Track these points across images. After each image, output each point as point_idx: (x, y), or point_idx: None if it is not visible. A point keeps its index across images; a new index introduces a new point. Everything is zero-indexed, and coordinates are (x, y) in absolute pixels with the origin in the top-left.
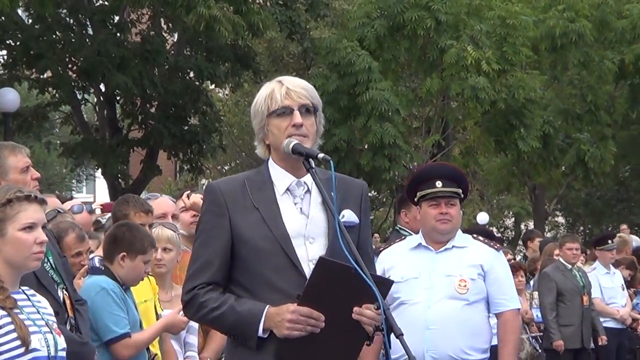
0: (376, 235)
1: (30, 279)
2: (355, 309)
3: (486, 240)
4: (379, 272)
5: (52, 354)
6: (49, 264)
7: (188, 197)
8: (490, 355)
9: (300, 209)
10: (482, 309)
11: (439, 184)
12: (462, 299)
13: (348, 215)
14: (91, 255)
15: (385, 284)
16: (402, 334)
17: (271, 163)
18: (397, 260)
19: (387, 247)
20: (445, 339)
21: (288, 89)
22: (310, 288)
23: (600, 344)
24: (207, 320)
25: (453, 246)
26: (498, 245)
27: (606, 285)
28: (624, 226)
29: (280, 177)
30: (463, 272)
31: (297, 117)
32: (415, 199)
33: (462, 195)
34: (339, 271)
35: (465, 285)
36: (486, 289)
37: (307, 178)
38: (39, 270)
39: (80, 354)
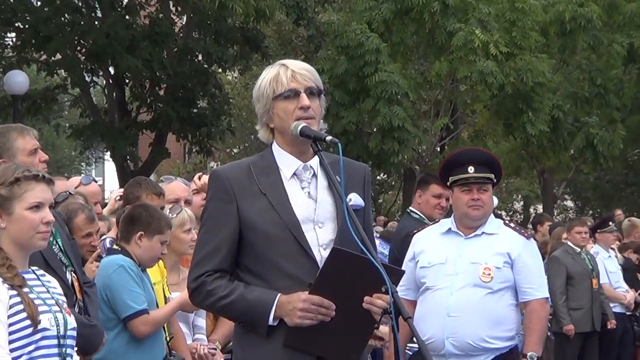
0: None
1: (39, 261)
2: (366, 298)
3: (517, 227)
4: (409, 256)
5: (62, 332)
6: (57, 246)
7: (199, 178)
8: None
9: (308, 193)
10: (508, 297)
11: (471, 169)
12: (486, 287)
13: (354, 199)
14: (103, 237)
15: (396, 273)
16: (410, 317)
17: (275, 147)
18: (427, 244)
19: (420, 230)
20: (465, 326)
21: (294, 71)
22: (322, 277)
23: (609, 327)
24: (216, 309)
25: (483, 232)
26: (529, 232)
27: (612, 269)
28: (618, 212)
29: (286, 161)
30: (489, 260)
31: (305, 100)
32: (448, 184)
33: (495, 181)
34: (351, 260)
35: (489, 274)
36: (513, 277)
37: (313, 162)
38: (47, 253)
39: (88, 336)
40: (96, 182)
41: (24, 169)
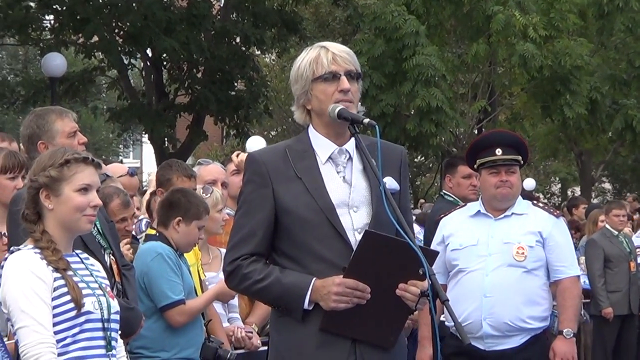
0: (422, 200)
1: (77, 244)
2: (400, 285)
3: (546, 207)
4: (438, 239)
5: (106, 316)
6: (96, 229)
7: (237, 156)
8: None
9: (343, 177)
10: (541, 276)
11: (498, 151)
12: (520, 267)
13: (389, 183)
14: (140, 217)
15: (430, 255)
16: (448, 300)
17: (312, 130)
18: (456, 227)
19: (447, 214)
20: (502, 306)
21: (334, 54)
22: (356, 260)
23: None
24: (251, 292)
25: (512, 213)
26: (558, 212)
27: None
28: (629, 198)
29: (322, 145)
30: (521, 239)
31: (345, 83)
32: (475, 166)
33: (522, 162)
34: (384, 243)
35: (523, 253)
36: (545, 256)
37: (349, 145)
38: (86, 236)
39: (127, 318)
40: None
41: (74, 151)
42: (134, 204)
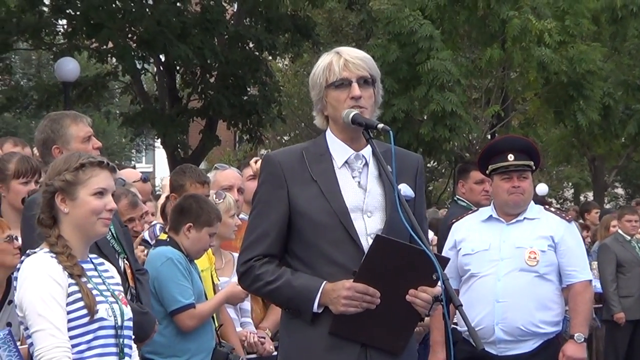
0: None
1: (92, 248)
2: (411, 291)
3: (558, 212)
4: (450, 244)
5: (119, 323)
6: (110, 233)
7: (256, 162)
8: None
9: (359, 182)
10: (554, 280)
11: (511, 157)
12: (532, 271)
13: (404, 190)
14: (153, 222)
15: (442, 261)
16: (461, 305)
17: (329, 134)
18: (468, 232)
19: (459, 219)
20: (515, 311)
21: (346, 60)
22: (366, 265)
23: None
24: (263, 293)
25: (524, 218)
26: (570, 216)
27: None
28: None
29: (338, 149)
30: (533, 244)
31: (356, 90)
32: (487, 172)
33: (534, 168)
34: (395, 248)
35: (535, 257)
36: (557, 261)
37: (365, 151)
38: (100, 240)
39: (141, 323)
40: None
41: (89, 155)
42: (142, 205)
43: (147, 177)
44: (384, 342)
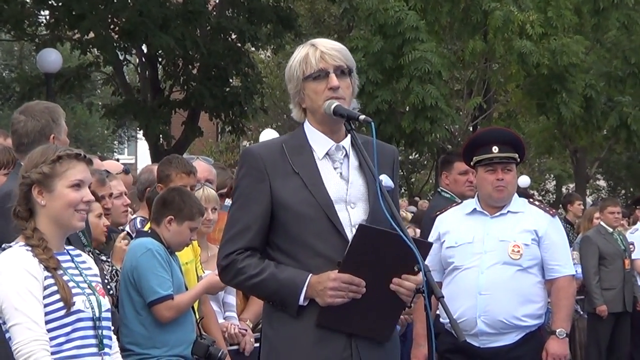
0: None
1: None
2: (395, 279)
3: (542, 205)
4: (434, 236)
5: (97, 315)
6: None
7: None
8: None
9: (340, 173)
10: (536, 274)
11: (495, 149)
12: (515, 264)
13: (385, 180)
14: (134, 216)
15: (424, 246)
16: (443, 297)
17: (308, 126)
18: (452, 225)
19: (443, 212)
20: (497, 304)
21: (322, 52)
22: (350, 255)
23: (638, 309)
24: (245, 287)
25: (508, 211)
26: (554, 210)
27: None
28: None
29: (318, 141)
30: (517, 237)
31: (334, 80)
32: (472, 164)
33: (519, 160)
34: (378, 237)
35: (518, 251)
36: (540, 255)
37: (345, 142)
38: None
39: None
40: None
41: (66, 148)
42: (110, 183)
43: (128, 169)
44: (371, 331)
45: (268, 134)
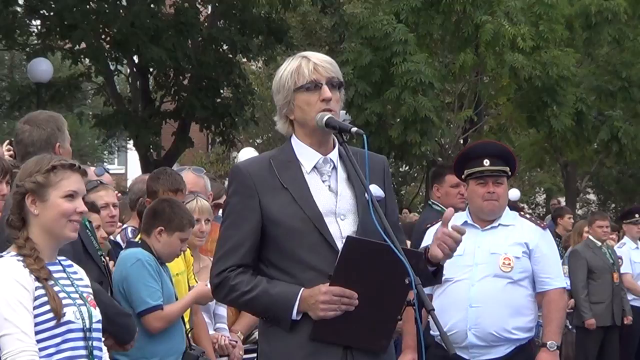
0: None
1: (77, 247)
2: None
3: (533, 218)
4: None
5: (87, 326)
6: (91, 232)
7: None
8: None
9: (329, 186)
10: (527, 287)
11: (486, 162)
12: (506, 277)
13: (374, 190)
14: (124, 225)
15: (415, 255)
16: (433, 309)
17: (295, 140)
18: None
19: (434, 224)
20: (488, 316)
21: (315, 63)
22: (340, 267)
23: (625, 322)
24: (239, 304)
25: (499, 224)
26: (545, 223)
27: (637, 260)
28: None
29: (306, 154)
30: (508, 250)
31: (327, 91)
32: (463, 177)
33: (510, 173)
34: (367, 248)
35: (509, 264)
36: (531, 268)
37: (333, 155)
38: (85, 238)
39: (129, 325)
40: (109, 172)
41: (60, 158)
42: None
43: (101, 171)
44: (367, 342)
45: (247, 153)
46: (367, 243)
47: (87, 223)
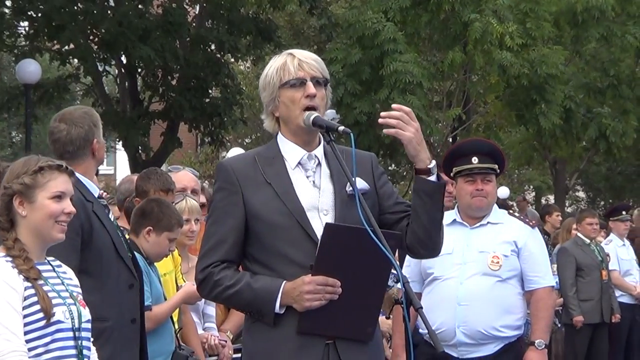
0: None
1: (109, 250)
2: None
3: (522, 217)
4: None
5: (77, 325)
6: (120, 232)
7: None
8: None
9: (313, 182)
10: (515, 285)
11: (475, 159)
12: (495, 276)
13: (358, 183)
14: None
15: (394, 237)
16: (421, 307)
17: (280, 138)
18: None
19: None
20: (476, 315)
21: (300, 60)
22: (321, 255)
23: (613, 321)
24: (222, 299)
25: (488, 222)
26: (534, 222)
27: (624, 257)
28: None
29: (290, 150)
30: (496, 249)
31: (311, 88)
32: (452, 174)
33: (499, 171)
34: (347, 234)
35: (498, 262)
36: (520, 266)
37: (318, 151)
38: (116, 239)
39: None
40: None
41: (48, 159)
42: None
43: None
44: (353, 331)
45: (236, 153)
46: (345, 229)
47: (117, 226)
